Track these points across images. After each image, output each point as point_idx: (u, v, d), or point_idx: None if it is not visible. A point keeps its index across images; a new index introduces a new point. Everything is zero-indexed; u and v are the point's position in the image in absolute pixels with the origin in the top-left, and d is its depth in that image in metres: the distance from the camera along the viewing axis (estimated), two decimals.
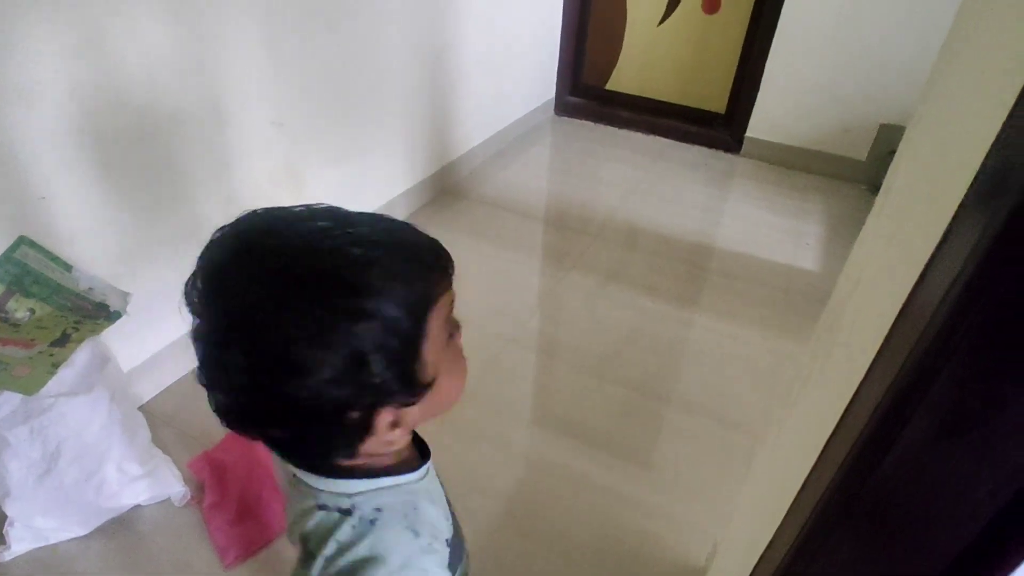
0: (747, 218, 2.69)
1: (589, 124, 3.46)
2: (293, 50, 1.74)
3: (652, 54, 3.28)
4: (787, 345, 1.97)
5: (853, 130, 2.93)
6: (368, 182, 2.24)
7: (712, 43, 3.12)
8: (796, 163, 3.10)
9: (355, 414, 0.47)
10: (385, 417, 0.48)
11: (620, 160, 3.12)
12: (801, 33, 2.83)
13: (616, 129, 3.41)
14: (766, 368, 1.89)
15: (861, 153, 2.96)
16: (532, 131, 3.30)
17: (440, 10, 2.33)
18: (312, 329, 0.42)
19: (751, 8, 2.96)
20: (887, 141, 2.87)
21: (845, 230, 2.63)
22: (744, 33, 3.03)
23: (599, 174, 3.02)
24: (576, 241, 2.44)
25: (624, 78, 3.41)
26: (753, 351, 1.96)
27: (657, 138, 3.33)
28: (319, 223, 0.46)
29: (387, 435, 0.49)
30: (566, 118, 3.52)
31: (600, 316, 2.11)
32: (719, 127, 3.26)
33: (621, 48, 3.33)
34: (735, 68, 3.12)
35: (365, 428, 0.48)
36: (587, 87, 3.50)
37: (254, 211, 0.48)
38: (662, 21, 3.18)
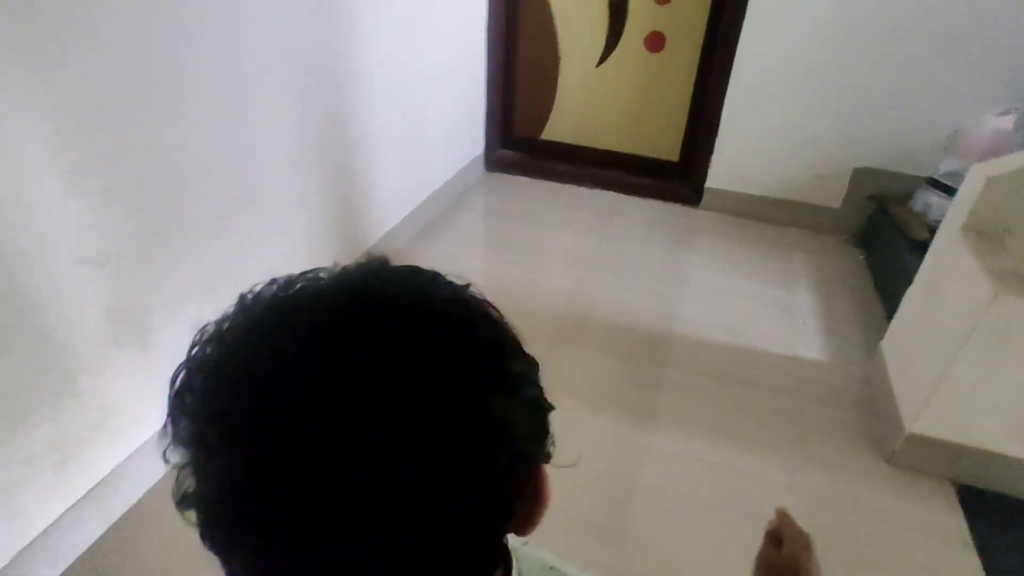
0: (724, 290, 2.27)
1: (525, 180, 3.00)
2: (113, 148, 1.17)
3: (591, 99, 2.86)
4: (812, 481, 1.53)
5: (826, 176, 2.60)
6: None
7: (659, 84, 2.73)
8: (765, 214, 2.73)
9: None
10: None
11: (565, 223, 2.66)
12: (760, 70, 2.48)
13: (557, 184, 2.96)
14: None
15: (835, 200, 2.63)
16: (461, 195, 2.80)
17: (331, 71, 1.81)
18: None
19: (701, 44, 2.60)
20: (863, 186, 2.55)
21: (839, 296, 2.26)
22: (695, 72, 2.65)
23: (543, 243, 2.55)
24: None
25: (561, 127, 2.98)
26: (763, 497, 1.50)
27: (605, 192, 2.91)
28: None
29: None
30: (498, 174, 3.05)
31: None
32: (675, 178, 2.87)
33: (555, 93, 2.90)
34: (687, 111, 2.74)
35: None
36: (520, 139, 3.05)
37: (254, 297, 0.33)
38: (601, 62, 2.77)
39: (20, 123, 1.00)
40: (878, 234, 2.47)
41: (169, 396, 0.32)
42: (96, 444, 1.27)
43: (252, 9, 1.44)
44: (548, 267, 2.37)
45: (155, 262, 1.31)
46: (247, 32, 1.44)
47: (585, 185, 2.93)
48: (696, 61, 2.63)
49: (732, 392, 1.79)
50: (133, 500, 1.38)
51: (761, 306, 2.19)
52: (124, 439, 1.34)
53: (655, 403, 1.74)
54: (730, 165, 2.71)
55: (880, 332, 1.88)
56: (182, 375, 0.32)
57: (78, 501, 1.26)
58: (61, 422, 1.19)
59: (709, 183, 2.77)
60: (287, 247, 1.74)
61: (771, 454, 1.60)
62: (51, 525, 1.21)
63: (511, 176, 3.03)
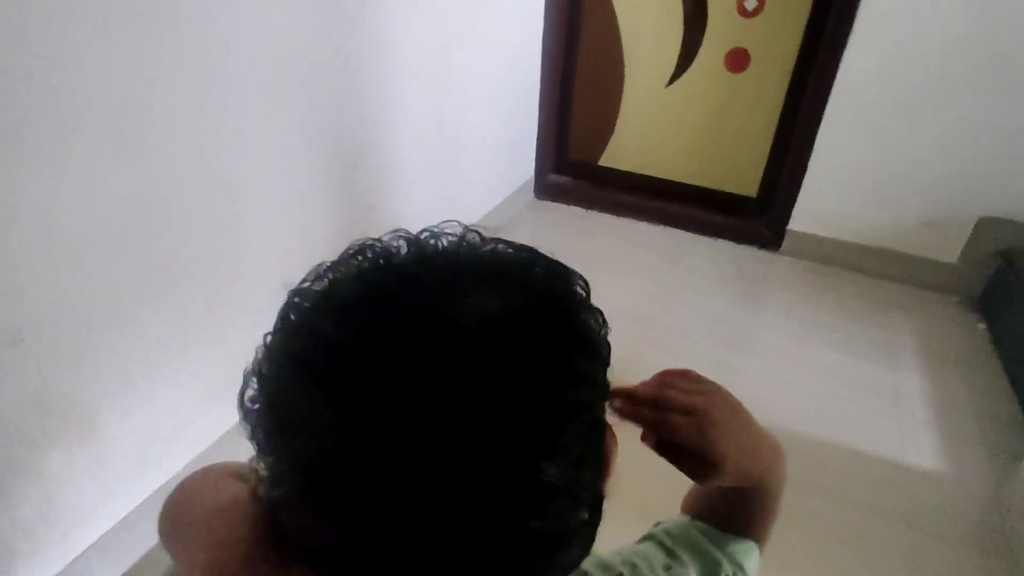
0: (805, 363, 1.88)
1: (578, 211, 2.68)
2: (17, 200, 0.92)
3: (658, 123, 2.51)
4: None
5: (939, 224, 2.16)
6: (235, 374, 1.41)
7: (739, 109, 2.36)
8: (858, 265, 2.32)
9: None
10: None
11: (622, 265, 2.32)
12: (865, 96, 2.08)
13: (614, 217, 2.62)
14: None
15: (950, 253, 2.19)
16: (507, 226, 2.50)
17: (347, 85, 1.54)
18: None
19: (793, 64, 2.21)
20: (988, 239, 2.11)
21: (955, 380, 1.83)
22: (784, 96, 2.27)
23: (595, 290, 2.21)
24: None
25: (622, 153, 2.64)
26: None
27: (668, 230, 2.55)
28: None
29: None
30: (549, 202, 2.73)
31: None
32: (751, 216, 2.48)
33: (618, 115, 2.56)
34: (771, 141, 2.35)
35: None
36: (575, 164, 2.72)
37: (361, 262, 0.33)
38: (671, 81, 2.41)
39: None
40: (1004, 298, 2.03)
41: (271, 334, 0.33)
42: (15, 564, 1.03)
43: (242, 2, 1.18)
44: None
45: (89, 336, 1.06)
46: (234, 32, 1.18)
47: (646, 220, 2.58)
48: (786, 83, 2.24)
49: (813, 509, 1.42)
50: None
51: (854, 388, 1.79)
52: (65, 544, 1.10)
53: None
54: (819, 205, 2.31)
55: (1010, 431, 1.46)
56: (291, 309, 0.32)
57: None
58: None
59: (792, 225, 2.37)
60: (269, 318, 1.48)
61: None
62: None
63: (563, 206, 2.71)
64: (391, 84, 1.67)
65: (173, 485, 1.27)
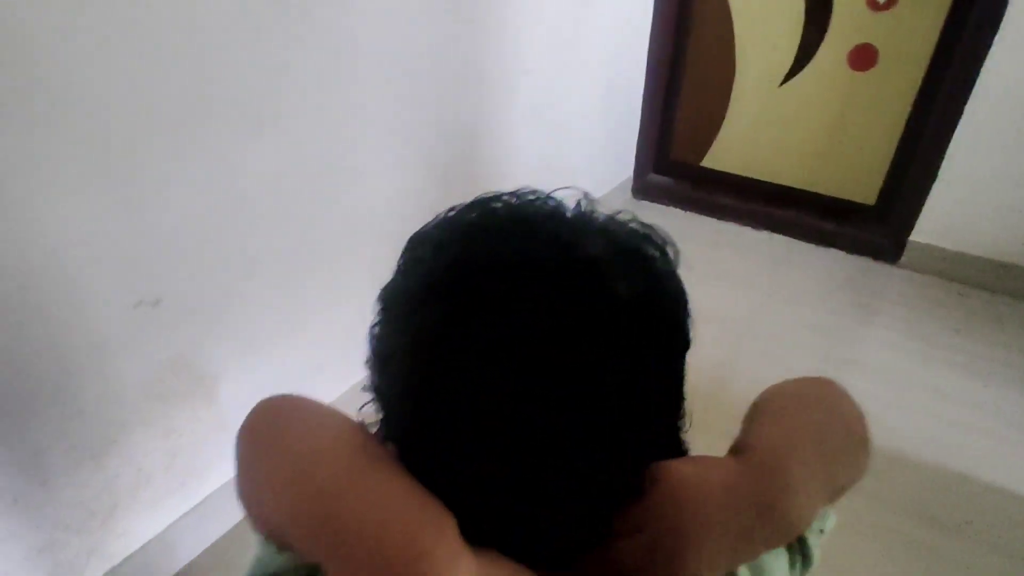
0: (927, 387, 1.73)
1: (678, 212, 2.60)
2: (173, 168, 0.99)
3: (769, 123, 2.39)
4: None
5: None
6: (342, 353, 1.47)
7: (862, 111, 2.20)
8: (990, 282, 2.11)
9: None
10: None
11: (723, 271, 2.23)
12: (1011, 100, 1.89)
13: (716, 221, 2.52)
14: None
15: None
16: None
17: (465, 78, 1.56)
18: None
19: (927, 64, 2.04)
20: None
21: None
22: (914, 97, 2.10)
23: (693, 297, 2.13)
24: None
25: (728, 154, 2.53)
26: None
27: (776, 236, 2.42)
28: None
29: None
30: (648, 203, 2.67)
31: None
32: (868, 225, 2.32)
33: (725, 115, 2.46)
34: (895, 145, 2.19)
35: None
36: (677, 163, 2.64)
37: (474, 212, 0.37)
38: (786, 80, 2.29)
39: (58, 141, 0.84)
40: None
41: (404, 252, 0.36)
42: (136, 508, 1.11)
43: None
44: (696, 329, 1.97)
45: (219, 304, 1.12)
46: (363, 27, 1.22)
47: (750, 225, 2.47)
48: (917, 83, 2.07)
49: (931, 540, 1.30)
50: (187, 560, 1.22)
51: (982, 415, 1.63)
52: (173, 501, 1.18)
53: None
54: (948, 215, 2.12)
55: None
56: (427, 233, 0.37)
57: (124, 561, 1.11)
58: (100, 480, 1.04)
59: (915, 236, 2.19)
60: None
61: None
62: None
63: (662, 207, 2.64)
64: (505, 78, 1.68)
65: None
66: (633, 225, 0.38)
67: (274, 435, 0.38)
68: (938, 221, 2.15)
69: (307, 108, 1.15)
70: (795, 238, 2.39)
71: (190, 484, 1.19)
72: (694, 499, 0.34)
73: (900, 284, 2.19)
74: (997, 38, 1.84)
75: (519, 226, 0.34)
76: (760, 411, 0.44)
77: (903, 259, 2.24)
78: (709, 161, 2.57)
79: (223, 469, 1.24)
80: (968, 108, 1.95)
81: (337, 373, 1.45)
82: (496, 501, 0.32)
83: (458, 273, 0.32)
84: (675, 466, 0.35)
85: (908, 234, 2.20)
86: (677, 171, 2.65)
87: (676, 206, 2.61)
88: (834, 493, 0.41)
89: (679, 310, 0.37)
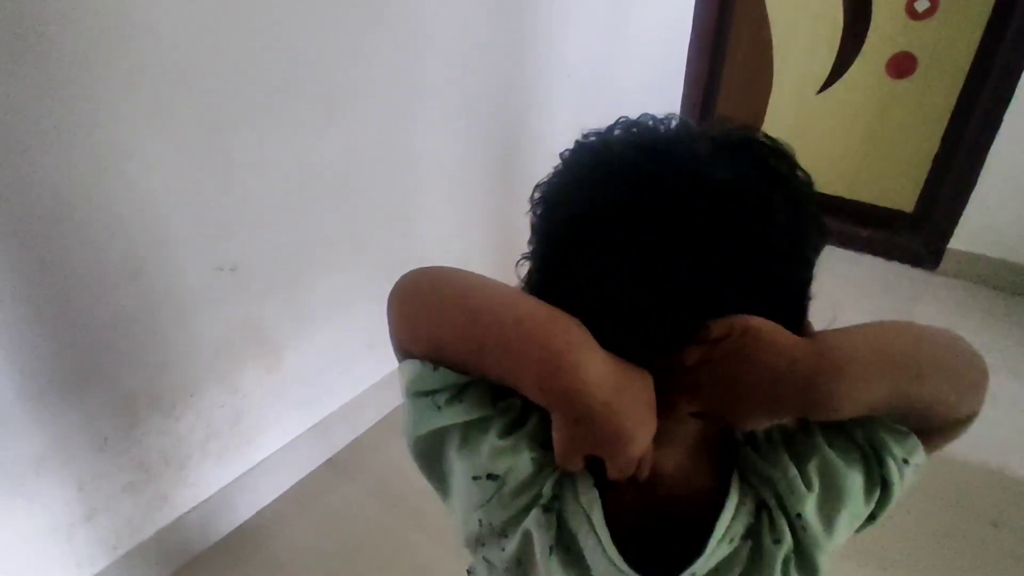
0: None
1: None
2: (258, 148, 1.09)
3: (806, 131, 2.43)
4: None
5: None
6: (386, 337, 1.55)
7: (901, 118, 2.23)
8: None
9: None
10: None
11: None
12: None
13: None
14: None
15: None
16: None
17: (510, 77, 1.65)
18: None
19: (966, 71, 2.06)
20: None
21: None
22: (953, 104, 2.12)
23: None
24: None
25: None
26: None
27: None
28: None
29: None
30: None
31: None
32: (905, 231, 2.33)
33: (763, 122, 2.51)
34: (935, 152, 2.20)
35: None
36: None
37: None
38: (824, 87, 2.33)
39: (167, 128, 0.94)
40: None
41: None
42: (205, 462, 1.21)
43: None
44: None
45: (288, 276, 1.22)
46: (430, 25, 1.32)
47: None
48: (957, 90, 2.09)
49: (979, 534, 1.31)
50: (250, 513, 1.31)
51: None
52: (236, 458, 1.27)
53: (888, 552, 1.32)
54: (989, 222, 2.12)
55: None
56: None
57: (191, 510, 1.20)
58: (178, 430, 1.13)
59: (953, 243, 2.19)
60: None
61: None
62: (161, 530, 1.16)
63: None
64: (550, 81, 1.76)
65: (333, 419, 1.44)
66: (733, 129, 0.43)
67: (439, 279, 0.46)
68: (977, 228, 2.15)
69: (376, 97, 1.25)
70: (834, 245, 2.41)
71: (253, 443, 1.28)
72: (769, 344, 0.38)
73: (938, 290, 2.18)
74: None
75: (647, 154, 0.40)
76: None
77: (941, 266, 2.24)
78: None
79: (280, 433, 1.33)
80: (1007, 117, 1.96)
81: (385, 352, 1.53)
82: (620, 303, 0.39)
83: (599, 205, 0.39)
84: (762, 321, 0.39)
85: (947, 241, 2.20)
86: None
87: None
88: (900, 398, 0.41)
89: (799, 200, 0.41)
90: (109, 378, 1.00)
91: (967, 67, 2.06)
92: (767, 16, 2.35)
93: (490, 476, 0.42)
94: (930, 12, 2.05)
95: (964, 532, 1.33)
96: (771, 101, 2.46)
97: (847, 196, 2.43)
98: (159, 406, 1.08)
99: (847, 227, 2.39)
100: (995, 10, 1.96)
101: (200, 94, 0.97)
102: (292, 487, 1.38)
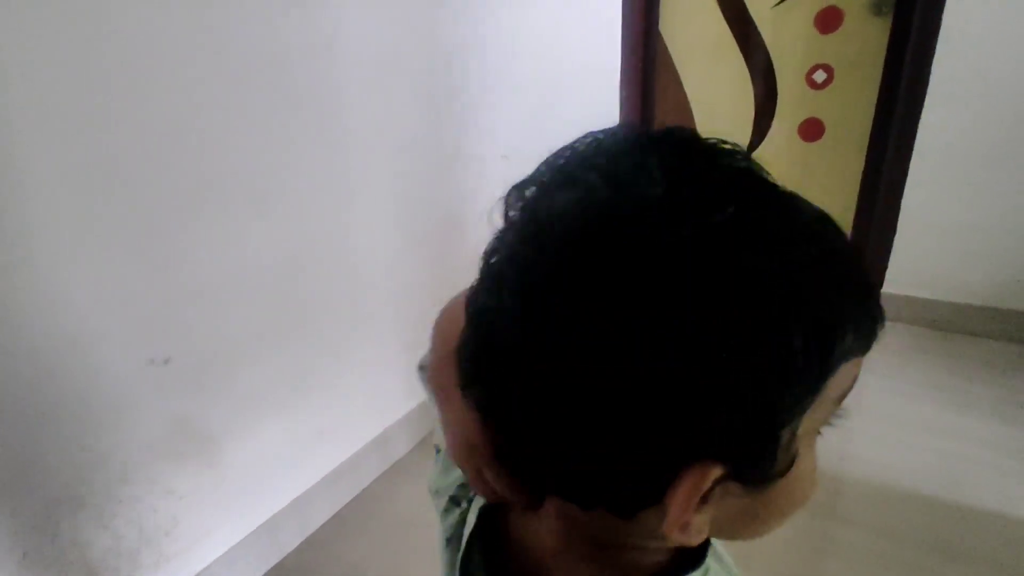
0: (922, 425, 1.76)
1: None
2: (186, 245, 1.10)
3: None
4: None
5: None
6: (344, 419, 1.51)
7: (819, 177, 2.39)
8: (969, 326, 2.18)
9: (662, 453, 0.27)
10: (699, 479, 0.27)
11: None
12: (953, 154, 2.06)
13: None
14: None
15: None
16: None
17: (444, 161, 1.72)
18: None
19: (869, 129, 2.24)
20: None
21: None
22: (863, 161, 2.28)
23: None
24: None
25: None
26: None
27: None
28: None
29: (683, 515, 0.27)
30: None
31: None
32: None
33: None
34: (855, 206, 2.34)
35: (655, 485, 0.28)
36: None
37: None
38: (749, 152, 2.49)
39: (96, 221, 0.95)
40: None
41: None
42: (146, 569, 1.12)
43: (359, 93, 1.39)
44: None
45: (224, 367, 1.19)
46: (356, 115, 1.38)
47: None
48: (864, 148, 2.27)
49: (943, 570, 1.28)
50: None
51: (978, 447, 1.64)
52: (176, 567, 1.18)
53: (819, 574, 1.28)
54: (915, 267, 2.23)
55: None
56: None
57: None
58: (106, 540, 1.05)
59: (888, 288, 2.29)
60: (379, 367, 1.58)
61: None
62: None
63: None
64: (484, 164, 1.85)
65: (281, 517, 1.37)
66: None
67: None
68: (907, 272, 2.25)
69: (303, 190, 1.29)
70: None
71: (192, 551, 1.19)
72: None
73: (883, 334, 2.25)
74: (928, 101, 2.04)
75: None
76: None
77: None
78: None
79: (223, 537, 1.25)
80: (913, 166, 2.12)
81: (340, 439, 1.49)
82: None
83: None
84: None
85: (880, 287, 2.30)
86: None
87: None
88: None
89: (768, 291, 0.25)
90: (27, 485, 0.94)
91: (869, 127, 2.24)
92: (687, 98, 2.54)
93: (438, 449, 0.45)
94: (827, 82, 2.26)
95: (905, 558, 1.30)
96: None
97: None
98: (84, 514, 1.01)
99: None
100: (884, 78, 2.17)
101: (124, 190, 0.98)
102: None
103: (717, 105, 2.50)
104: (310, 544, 1.43)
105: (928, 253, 2.20)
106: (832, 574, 1.29)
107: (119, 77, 0.95)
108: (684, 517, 0.27)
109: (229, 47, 1.09)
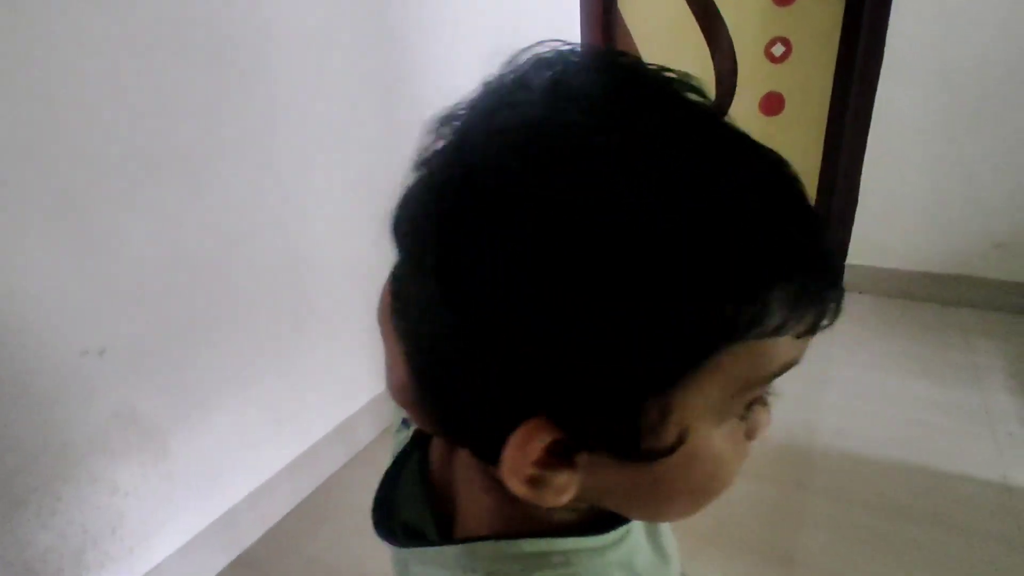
0: (884, 392, 1.77)
1: None
2: (120, 229, 1.05)
3: None
4: None
5: (1011, 244, 2.06)
6: (302, 407, 1.47)
7: (781, 151, 2.37)
8: (928, 294, 2.21)
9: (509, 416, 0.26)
10: (529, 434, 0.25)
11: None
12: (908, 125, 2.08)
13: None
14: None
15: None
16: None
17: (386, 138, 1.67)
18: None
19: (828, 102, 2.25)
20: None
21: None
22: (823, 134, 2.29)
23: None
24: None
25: None
26: None
27: None
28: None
29: (517, 466, 0.27)
30: None
31: None
32: None
33: None
34: (817, 179, 2.35)
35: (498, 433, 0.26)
36: None
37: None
38: None
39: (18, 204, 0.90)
40: None
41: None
42: (91, 569, 1.07)
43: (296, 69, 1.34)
44: None
45: (166, 356, 1.14)
46: (294, 92, 1.33)
47: None
48: (823, 122, 2.28)
49: (907, 533, 1.29)
50: None
51: (940, 412, 1.66)
52: (126, 567, 1.14)
53: (792, 544, 1.28)
54: (876, 238, 2.25)
55: None
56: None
57: None
58: (45, 540, 1.01)
59: (851, 260, 2.31)
60: (337, 352, 1.54)
61: None
62: None
63: None
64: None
65: (239, 510, 1.32)
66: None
67: None
68: (870, 244, 2.27)
69: (245, 169, 1.24)
70: None
71: (142, 547, 1.15)
72: None
73: (848, 305, 2.25)
74: (883, 72, 2.05)
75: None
76: None
77: (844, 282, 2.33)
78: None
79: (176, 532, 1.20)
80: (872, 136, 2.14)
81: (299, 428, 1.45)
82: None
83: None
84: None
85: (844, 259, 2.31)
86: None
87: None
88: None
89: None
90: None
91: (828, 100, 2.24)
92: None
93: None
94: (786, 56, 2.26)
95: (873, 524, 1.31)
96: None
97: None
98: (22, 512, 0.96)
99: None
100: (840, 50, 2.17)
101: (50, 171, 0.93)
102: None
103: None
104: (272, 536, 1.39)
105: (890, 224, 2.22)
106: (805, 544, 1.29)
107: (44, 53, 0.89)
108: (522, 469, 0.26)
109: (163, 23, 1.04)
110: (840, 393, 1.78)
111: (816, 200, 2.38)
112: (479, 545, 0.33)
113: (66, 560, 1.03)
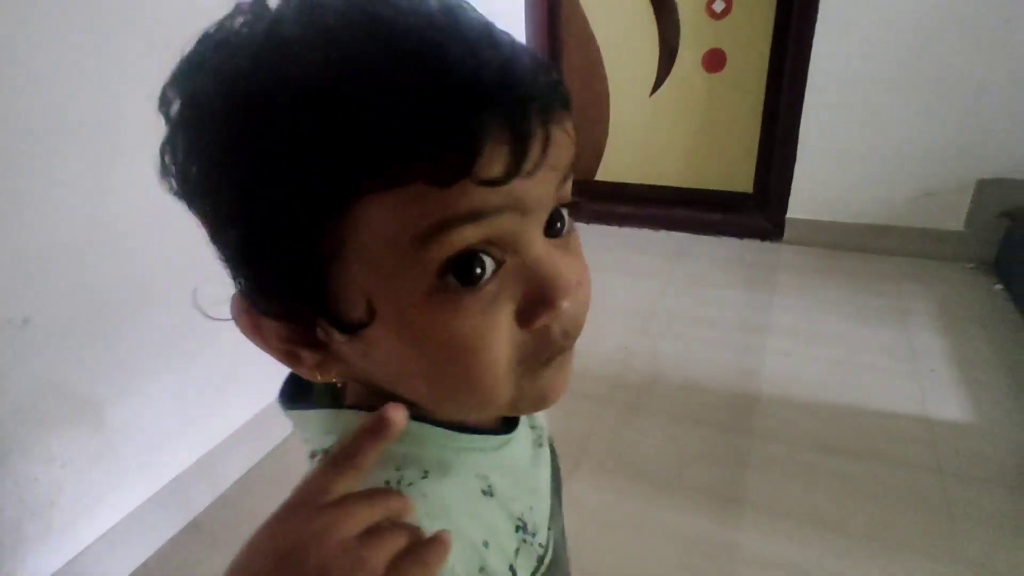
0: (821, 336, 1.85)
1: (581, 225, 2.69)
2: (38, 195, 1.01)
3: (648, 132, 2.59)
4: None
5: (939, 193, 2.15)
6: (247, 374, 1.45)
7: (724, 108, 2.42)
8: (864, 244, 2.30)
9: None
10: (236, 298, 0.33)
11: (624, 267, 2.34)
12: (842, 79, 2.13)
13: (616, 228, 2.66)
14: None
15: (955, 221, 2.17)
16: None
17: None
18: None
19: (767, 58, 2.28)
20: (991, 201, 2.08)
21: (974, 337, 1.78)
22: (764, 90, 2.33)
23: (601, 293, 2.23)
24: (578, 414, 1.61)
25: (617, 165, 2.71)
26: None
27: (672, 233, 2.57)
28: None
29: (249, 333, 0.34)
30: None
31: (618, 542, 1.23)
32: (751, 211, 2.50)
33: (607, 130, 2.65)
34: (759, 135, 2.40)
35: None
36: (574, 182, 2.79)
37: None
38: (655, 89, 2.50)
39: None
40: (1019, 257, 1.98)
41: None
42: (20, 548, 1.06)
43: None
44: (605, 319, 2.04)
45: (95, 323, 1.12)
46: None
47: (648, 227, 2.62)
48: (764, 77, 2.31)
49: (842, 468, 1.37)
50: None
51: (871, 353, 1.75)
52: (69, 537, 1.12)
53: (740, 485, 1.35)
54: (815, 191, 2.32)
55: None
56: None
57: None
58: None
59: (791, 213, 2.38)
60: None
61: (902, 553, 1.16)
62: None
63: None
64: None
65: (187, 477, 1.30)
66: None
67: None
68: (808, 197, 2.34)
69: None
70: (690, 232, 2.55)
71: (86, 517, 1.13)
72: None
73: (788, 258, 2.35)
74: (818, 26, 2.09)
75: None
76: None
77: (786, 236, 2.41)
78: (602, 175, 2.74)
79: (119, 501, 1.19)
80: (808, 92, 2.18)
81: (245, 395, 1.44)
82: None
83: None
84: None
85: (785, 213, 2.38)
86: (574, 189, 2.79)
87: (579, 220, 2.72)
88: None
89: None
90: None
91: (767, 56, 2.28)
92: (592, 34, 2.51)
93: None
94: (726, 12, 2.27)
95: (814, 463, 1.38)
96: (612, 110, 2.61)
97: (695, 186, 2.60)
98: None
99: (700, 214, 2.54)
100: (777, 6, 2.20)
101: None
102: (147, 560, 1.23)
103: (622, 42, 2.48)
104: (223, 502, 1.39)
105: (828, 178, 2.29)
106: (753, 486, 1.34)
107: None
108: (272, 344, 0.33)
109: None
110: (782, 339, 1.85)
111: (759, 156, 2.44)
112: (344, 412, 0.36)
113: (4, 533, 1.02)
